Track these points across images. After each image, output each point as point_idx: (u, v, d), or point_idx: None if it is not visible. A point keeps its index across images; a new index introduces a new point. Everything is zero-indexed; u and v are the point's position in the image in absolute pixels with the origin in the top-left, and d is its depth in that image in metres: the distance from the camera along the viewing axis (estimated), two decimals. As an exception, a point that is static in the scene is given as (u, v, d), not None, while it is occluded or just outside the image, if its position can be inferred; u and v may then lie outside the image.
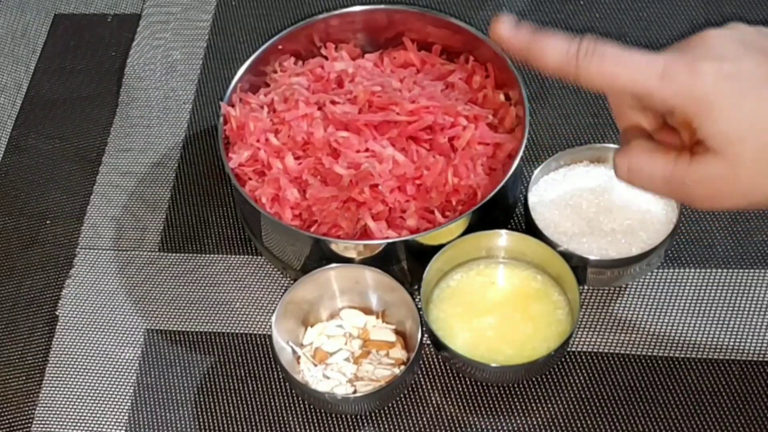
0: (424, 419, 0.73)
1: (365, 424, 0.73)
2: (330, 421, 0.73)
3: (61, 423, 0.75)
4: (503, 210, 0.79)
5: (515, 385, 0.74)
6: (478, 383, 0.74)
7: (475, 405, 0.73)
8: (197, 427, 0.74)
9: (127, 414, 0.75)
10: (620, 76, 0.57)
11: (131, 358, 0.78)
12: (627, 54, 0.57)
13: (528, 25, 0.60)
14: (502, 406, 0.73)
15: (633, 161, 0.59)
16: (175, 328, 0.79)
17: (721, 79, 0.55)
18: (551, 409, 0.73)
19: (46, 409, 0.76)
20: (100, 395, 0.76)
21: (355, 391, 0.71)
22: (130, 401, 0.76)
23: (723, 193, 0.57)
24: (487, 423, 0.72)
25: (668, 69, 0.56)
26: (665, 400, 0.72)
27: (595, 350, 0.75)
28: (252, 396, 0.75)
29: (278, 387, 0.75)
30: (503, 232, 0.74)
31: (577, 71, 0.57)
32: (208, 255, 0.83)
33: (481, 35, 0.81)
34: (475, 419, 0.73)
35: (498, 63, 0.80)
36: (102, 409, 0.75)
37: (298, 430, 0.73)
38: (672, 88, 0.56)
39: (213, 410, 0.75)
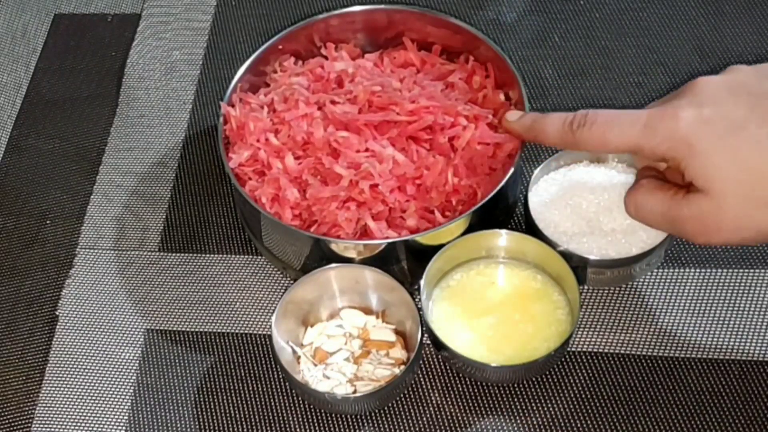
0: (424, 419, 0.73)
1: (365, 424, 0.73)
2: (330, 421, 0.73)
3: (61, 423, 0.75)
4: (503, 210, 0.79)
5: (515, 385, 0.74)
6: (478, 383, 0.74)
7: (475, 405, 0.73)
8: (197, 427, 0.74)
9: (127, 414, 0.75)
10: (611, 138, 0.64)
11: (131, 358, 0.78)
12: (614, 116, 0.64)
13: (533, 113, 0.72)
14: (502, 406, 0.73)
15: (638, 198, 0.66)
16: (175, 328, 0.79)
17: (699, 123, 0.61)
18: (551, 409, 0.73)
19: (46, 409, 0.76)
20: (100, 395, 0.76)
21: (355, 391, 0.71)
22: (130, 401, 0.76)
23: (712, 228, 0.61)
24: (487, 423, 0.72)
25: (650, 120, 0.62)
26: (665, 400, 0.72)
27: (595, 350, 0.75)
28: (252, 396, 0.75)
29: (278, 387, 0.75)
30: (503, 232, 0.74)
31: (575, 141, 0.66)
32: (208, 255, 0.83)
33: (481, 35, 0.81)
34: (475, 419, 0.73)
35: (498, 63, 0.80)
36: (102, 409, 0.75)
37: (298, 430, 0.73)
38: (656, 138, 0.62)
39: (213, 410, 0.75)
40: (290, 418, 0.74)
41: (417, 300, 0.72)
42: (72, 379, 0.77)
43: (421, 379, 0.74)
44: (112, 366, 0.77)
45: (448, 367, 0.75)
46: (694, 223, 0.62)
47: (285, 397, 0.75)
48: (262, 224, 0.77)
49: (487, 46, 0.81)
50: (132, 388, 0.76)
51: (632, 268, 0.74)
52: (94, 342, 0.79)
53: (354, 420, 0.73)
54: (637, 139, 0.63)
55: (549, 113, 0.69)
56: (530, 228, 0.75)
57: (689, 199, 0.62)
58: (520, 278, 0.74)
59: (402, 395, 0.74)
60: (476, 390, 0.74)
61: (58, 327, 0.80)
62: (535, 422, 0.72)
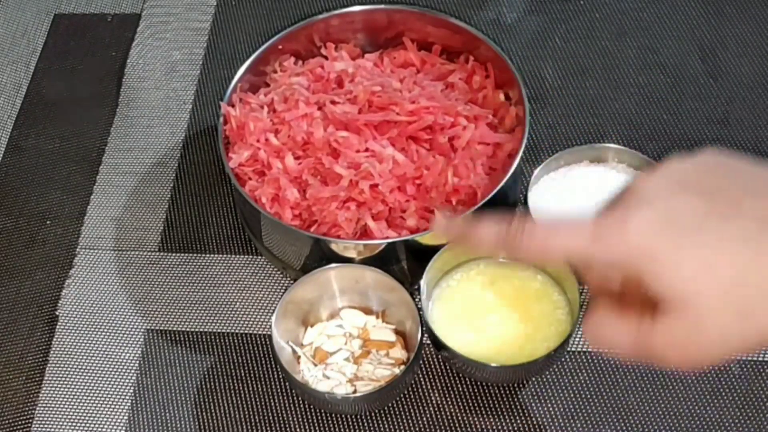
0: (424, 419, 0.73)
1: (365, 424, 0.73)
2: (330, 421, 0.73)
3: (61, 423, 0.75)
4: (503, 210, 0.79)
5: (515, 385, 0.74)
6: (478, 383, 0.74)
7: (475, 405, 0.73)
8: (197, 427, 0.74)
9: (126, 414, 0.75)
10: (553, 248, 0.56)
11: (131, 358, 0.78)
12: (556, 225, 0.57)
13: (465, 217, 0.64)
14: (502, 406, 0.73)
15: (598, 330, 0.57)
16: (175, 328, 0.79)
17: (654, 228, 0.53)
18: (551, 409, 0.73)
19: (46, 409, 0.76)
20: (100, 395, 0.76)
21: (355, 391, 0.71)
22: (129, 401, 0.76)
23: (694, 351, 0.53)
24: (487, 423, 0.72)
25: (599, 230, 0.55)
26: (665, 399, 0.72)
27: (594, 351, 0.75)
28: (252, 396, 0.75)
29: (278, 387, 0.75)
30: (503, 232, 0.73)
31: (512, 248, 0.57)
32: (208, 255, 0.83)
33: (481, 35, 0.81)
34: (475, 419, 0.73)
35: (498, 63, 0.80)
36: (102, 409, 0.75)
37: (298, 430, 0.73)
38: (607, 250, 0.54)
39: (213, 410, 0.75)
40: (290, 418, 0.74)
41: (417, 300, 0.72)
42: (72, 379, 0.77)
43: (421, 379, 0.74)
44: (112, 366, 0.77)
45: (448, 367, 0.75)
46: (674, 348, 0.53)
47: (285, 397, 0.75)
48: (262, 224, 0.77)
49: (487, 46, 0.81)
50: (132, 388, 0.76)
51: (632, 268, 0.74)
52: (94, 342, 0.79)
53: (354, 420, 0.73)
54: (584, 251, 0.55)
55: (481, 219, 0.60)
56: (530, 228, 0.75)
57: (662, 324, 0.53)
58: (520, 278, 0.74)
59: (402, 395, 0.74)
60: (476, 390, 0.74)
61: (58, 327, 0.80)
62: (535, 422, 0.72)
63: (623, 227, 0.53)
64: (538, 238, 0.56)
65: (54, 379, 0.77)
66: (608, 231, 0.54)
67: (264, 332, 0.78)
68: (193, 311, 0.80)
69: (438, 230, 0.63)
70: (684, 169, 0.56)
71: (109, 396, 0.76)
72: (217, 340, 0.78)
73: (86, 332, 0.79)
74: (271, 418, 0.74)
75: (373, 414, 0.73)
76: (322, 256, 0.74)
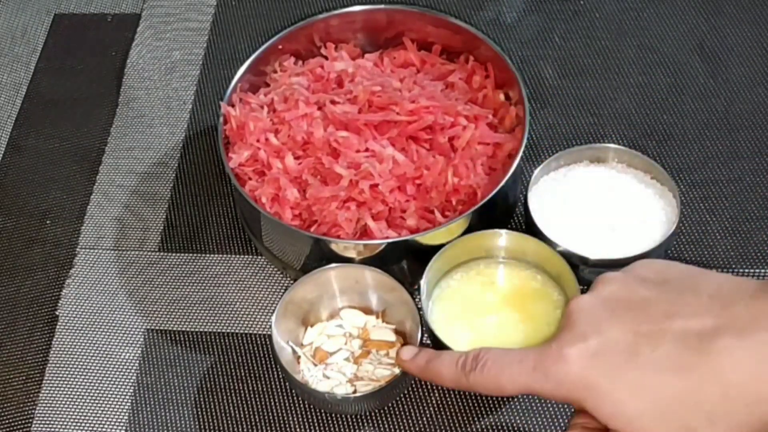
0: (424, 419, 0.73)
1: (365, 424, 0.73)
2: (330, 421, 0.73)
3: (61, 423, 0.75)
4: (503, 210, 0.79)
5: (515, 385, 0.74)
6: (478, 383, 0.74)
7: (475, 405, 0.73)
8: (197, 427, 0.74)
9: (127, 414, 0.75)
10: (502, 380, 0.59)
11: (131, 358, 0.78)
12: (503, 357, 0.59)
13: (427, 351, 0.66)
14: (502, 406, 0.73)
15: None
16: (175, 328, 0.79)
17: (589, 360, 0.55)
18: (551, 408, 0.73)
19: (46, 409, 0.76)
20: (101, 395, 0.76)
21: (355, 391, 0.71)
22: (130, 401, 0.76)
23: None
24: (487, 423, 0.72)
25: (538, 362, 0.57)
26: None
27: (595, 350, 0.75)
28: (252, 396, 0.75)
29: (278, 387, 0.75)
30: (503, 232, 0.73)
31: (468, 384, 0.61)
32: (208, 255, 0.83)
33: (481, 35, 0.81)
34: (475, 419, 0.73)
35: (498, 63, 0.80)
36: (102, 409, 0.75)
37: (298, 430, 0.73)
38: (548, 381, 0.57)
39: (213, 410, 0.75)
40: (290, 418, 0.74)
41: (417, 300, 0.72)
42: (72, 379, 0.77)
43: (421, 379, 0.74)
44: (112, 366, 0.77)
45: (448, 367, 0.75)
46: None
47: (285, 397, 0.75)
48: (262, 224, 0.77)
49: (487, 46, 0.81)
50: (132, 388, 0.76)
51: (632, 268, 0.74)
52: (94, 342, 0.79)
53: (354, 420, 0.73)
54: (528, 384, 0.58)
55: (443, 353, 0.64)
56: (530, 228, 0.75)
57: None
58: (520, 278, 0.74)
59: (402, 395, 0.74)
60: (476, 390, 0.74)
61: (58, 327, 0.80)
62: (535, 422, 0.72)
63: (561, 361, 0.56)
64: (487, 370, 0.60)
65: (54, 379, 0.77)
66: (548, 365, 0.57)
67: (264, 332, 0.78)
68: (193, 311, 0.80)
69: (401, 363, 0.67)
70: (612, 289, 0.58)
71: (109, 396, 0.76)
72: (217, 340, 0.78)
73: (86, 332, 0.79)
74: (271, 418, 0.74)
75: (373, 414, 0.73)
76: (322, 256, 0.74)
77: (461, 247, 0.73)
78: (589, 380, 0.55)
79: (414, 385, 0.74)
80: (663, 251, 0.75)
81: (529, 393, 0.58)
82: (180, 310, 0.80)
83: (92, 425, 0.75)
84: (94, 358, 0.78)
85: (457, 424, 0.72)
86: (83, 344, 0.79)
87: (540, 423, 0.72)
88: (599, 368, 0.55)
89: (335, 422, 0.73)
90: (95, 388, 0.76)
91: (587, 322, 0.57)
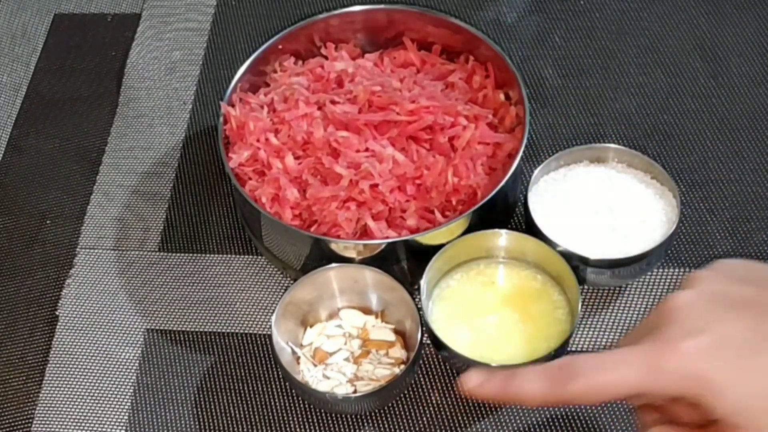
0: (424, 419, 0.73)
1: (365, 424, 0.73)
2: (330, 421, 0.73)
3: (61, 423, 0.75)
4: (503, 210, 0.79)
5: (515, 385, 0.73)
6: (478, 383, 0.74)
7: (475, 405, 0.73)
8: (197, 427, 0.74)
9: (127, 414, 0.75)
10: (606, 388, 0.55)
11: (131, 358, 0.78)
12: (601, 362, 0.55)
13: (497, 373, 0.57)
14: (502, 406, 0.73)
15: None
16: (175, 328, 0.79)
17: (708, 355, 0.54)
18: (551, 409, 0.73)
19: (46, 409, 0.76)
20: (101, 395, 0.76)
21: (355, 391, 0.71)
22: (130, 401, 0.76)
23: None
24: (487, 423, 0.72)
25: (651, 361, 0.54)
26: (665, 400, 0.72)
27: (595, 350, 0.75)
28: (252, 396, 0.75)
29: (278, 387, 0.75)
30: (503, 232, 0.74)
31: (564, 397, 0.55)
32: (208, 255, 0.83)
33: (481, 35, 0.81)
34: (475, 419, 0.73)
35: (498, 63, 0.80)
36: (102, 409, 0.75)
37: (298, 430, 0.73)
38: (663, 380, 0.54)
39: (213, 410, 0.75)
40: (290, 418, 0.74)
41: (417, 300, 0.72)
42: (72, 379, 0.77)
43: (421, 379, 0.74)
44: (112, 366, 0.77)
45: (448, 367, 0.75)
46: None
47: (285, 397, 0.75)
48: (262, 224, 0.77)
49: (487, 46, 0.81)
50: (132, 388, 0.76)
51: (632, 268, 0.74)
52: (94, 342, 0.79)
53: (354, 420, 0.73)
54: (639, 386, 0.55)
55: (518, 371, 0.56)
56: (530, 228, 0.75)
57: None
58: (520, 278, 0.74)
59: (402, 395, 0.74)
60: (476, 390, 0.74)
61: (58, 327, 0.80)
62: (535, 422, 0.72)
63: (677, 357, 0.54)
64: (585, 380, 0.55)
65: (54, 379, 0.77)
66: (664, 362, 0.54)
67: (264, 332, 0.78)
68: (194, 311, 0.80)
69: (471, 389, 0.58)
70: (716, 286, 0.56)
71: (109, 396, 0.76)
72: (217, 340, 0.78)
73: (86, 332, 0.79)
74: (271, 418, 0.74)
75: (373, 414, 0.73)
76: (322, 256, 0.74)
77: (461, 247, 0.73)
78: (708, 375, 0.53)
79: (414, 385, 0.74)
80: (663, 251, 0.75)
81: (634, 395, 0.56)
82: (180, 310, 0.80)
83: (92, 425, 0.75)
84: (94, 358, 0.78)
85: (457, 424, 0.72)
86: (83, 344, 0.79)
87: (540, 423, 0.72)
88: (719, 363, 0.53)
89: (335, 422, 0.73)
90: (95, 388, 0.76)
91: (698, 317, 0.55)
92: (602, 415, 0.72)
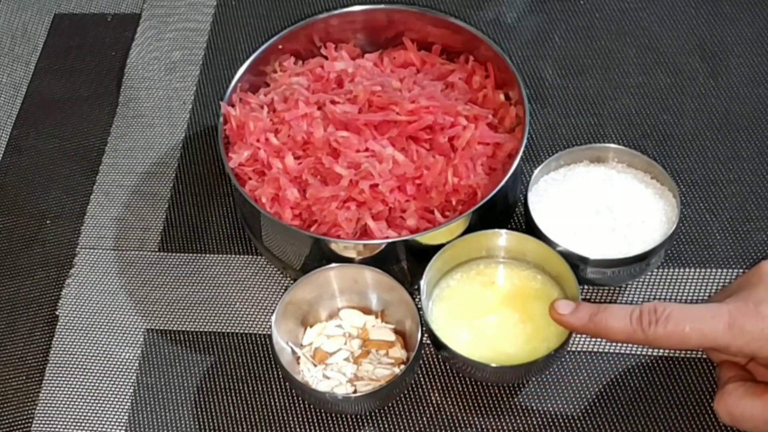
0: (424, 419, 0.73)
1: (365, 424, 0.73)
2: (330, 421, 0.73)
3: (61, 423, 0.75)
4: (503, 210, 0.79)
5: (515, 385, 0.74)
6: (478, 383, 0.74)
7: (475, 405, 0.73)
8: (197, 427, 0.74)
9: (127, 414, 0.75)
10: (689, 335, 0.59)
11: (131, 358, 0.78)
12: (690, 311, 0.59)
13: (585, 304, 0.65)
14: (502, 406, 0.73)
15: (733, 407, 0.61)
16: (175, 328, 0.79)
17: None
18: (551, 409, 0.73)
19: (46, 409, 0.76)
20: (101, 395, 0.76)
21: (355, 391, 0.71)
22: (130, 401, 0.76)
23: None
24: (487, 423, 0.72)
25: (734, 319, 0.58)
26: (665, 400, 0.72)
27: (595, 350, 0.75)
28: (252, 396, 0.75)
29: (278, 387, 0.75)
30: (503, 232, 0.74)
31: (646, 339, 0.60)
32: (208, 255, 0.83)
33: (481, 35, 0.81)
34: (475, 419, 0.73)
35: (498, 63, 0.80)
36: (102, 409, 0.75)
37: (298, 430, 0.73)
38: (744, 338, 0.58)
39: (213, 410, 0.75)
40: (290, 418, 0.74)
41: (417, 300, 0.72)
42: (72, 379, 0.77)
43: (421, 379, 0.74)
44: (112, 366, 0.77)
45: (448, 367, 0.75)
46: None
47: (285, 397, 0.75)
48: (262, 224, 0.77)
49: (487, 46, 0.81)
50: (132, 388, 0.76)
51: (632, 268, 0.74)
52: (94, 342, 0.79)
53: (354, 420, 0.73)
54: (722, 338, 0.59)
55: (609, 306, 0.64)
56: (530, 228, 0.75)
57: None
58: (520, 278, 0.74)
59: (402, 395, 0.74)
60: (476, 390, 0.74)
61: (58, 327, 0.80)
62: (535, 422, 0.72)
63: (759, 318, 0.58)
64: (672, 325, 0.59)
65: (54, 379, 0.77)
66: (745, 321, 0.58)
67: (264, 332, 0.78)
68: (193, 311, 0.80)
69: (561, 319, 0.65)
70: None
71: (109, 396, 0.76)
72: (217, 340, 0.78)
73: (86, 332, 0.79)
74: (271, 418, 0.74)
75: (373, 414, 0.73)
76: (322, 256, 0.74)
77: (461, 247, 0.73)
78: None
79: (414, 385, 0.74)
80: (663, 251, 0.75)
81: (711, 347, 0.60)
82: (180, 310, 0.80)
83: (92, 425, 0.75)
84: (94, 358, 0.78)
85: (457, 424, 0.72)
86: (83, 344, 0.79)
87: (540, 423, 0.72)
88: None
89: (335, 422, 0.73)
90: (95, 388, 0.76)
91: None
92: (602, 416, 0.72)
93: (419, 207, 0.75)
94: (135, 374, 0.77)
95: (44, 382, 0.77)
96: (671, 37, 0.93)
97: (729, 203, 0.81)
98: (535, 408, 0.73)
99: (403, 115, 0.76)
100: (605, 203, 0.76)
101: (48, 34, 1.00)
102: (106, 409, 0.75)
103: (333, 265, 0.73)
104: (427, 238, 0.72)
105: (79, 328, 0.80)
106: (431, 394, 0.74)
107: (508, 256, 0.75)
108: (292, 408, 0.74)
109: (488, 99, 0.80)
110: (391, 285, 0.72)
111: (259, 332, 0.78)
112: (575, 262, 0.72)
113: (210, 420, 0.74)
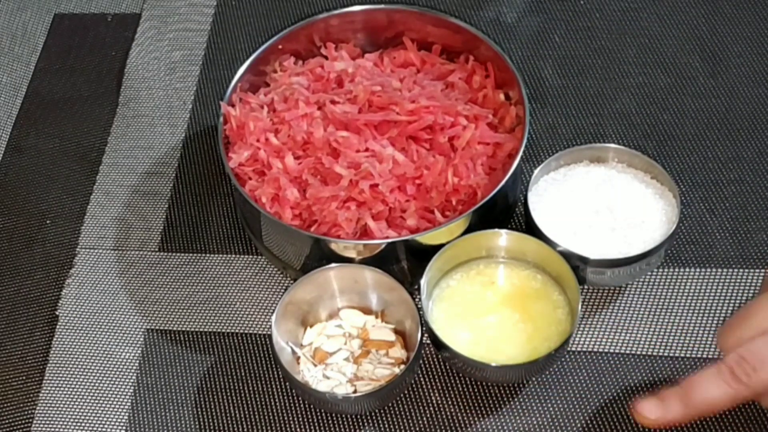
0: (424, 419, 0.73)
1: (365, 424, 0.73)
2: (330, 421, 0.73)
3: (61, 423, 0.75)
4: (503, 210, 0.79)
5: (515, 385, 0.74)
6: (478, 383, 0.74)
7: (475, 405, 0.73)
8: (197, 427, 0.74)
9: (127, 414, 0.75)
10: None
11: (131, 358, 0.78)
12: None
13: (666, 393, 0.56)
14: (502, 406, 0.73)
15: None
16: (175, 328, 0.79)
17: None
18: (551, 409, 0.73)
19: (46, 409, 0.76)
20: (101, 395, 0.76)
21: (355, 391, 0.71)
22: (130, 401, 0.76)
23: None
24: (487, 423, 0.72)
25: None
26: (665, 400, 0.72)
27: (595, 350, 0.75)
28: (252, 396, 0.75)
29: (278, 387, 0.75)
30: (503, 232, 0.74)
31: (755, 392, 0.54)
32: (208, 255, 0.83)
33: (481, 35, 0.81)
34: (475, 419, 0.73)
35: (498, 63, 0.80)
36: (102, 409, 0.75)
37: (298, 430, 0.73)
38: None
39: (213, 410, 0.75)
40: (290, 418, 0.74)
41: (417, 300, 0.72)
42: (72, 379, 0.77)
43: (421, 379, 0.74)
44: (112, 366, 0.77)
45: (448, 367, 0.75)
46: None
47: (285, 397, 0.75)
48: (262, 224, 0.77)
49: (487, 45, 0.81)
50: (132, 388, 0.76)
51: (632, 268, 0.74)
52: (94, 342, 0.79)
53: (354, 420, 0.73)
54: None
55: (691, 381, 0.56)
56: (530, 228, 0.75)
57: None
58: (520, 278, 0.74)
59: (402, 395, 0.74)
60: (476, 390, 0.74)
61: (58, 327, 0.80)
62: (535, 422, 0.72)
63: None
64: None
65: (54, 379, 0.77)
66: None
67: (264, 332, 0.78)
68: (194, 311, 0.80)
69: (656, 423, 0.57)
70: None
71: (109, 396, 0.76)
72: (217, 340, 0.78)
73: (86, 332, 0.79)
74: (271, 418, 0.74)
75: (373, 414, 0.73)
76: (322, 256, 0.74)
77: (461, 247, 0.73)
78: None
79: (414, 385, 0.74)
80: (663, 251, 0.75)
81: None
82: (180, 311, 0.80)
83: (92, 425, 0.75)
84: (94, 358, 0.78)
85: (457, 424, 0.72)
86: (83, 344, 0.79)
87: (540, 423, 0.72)
88: None
89: (335, 422, 0.73)
90: (95, 388, 0.76)
91: None
92: (602, 416, 0.72)
93: (419, 207, 0.75)
94: (135, 374, 0.77)
95: (44, 382, 0.77)
96: (671, 37, 0.93)
97: (729, 203, 0.81)
98: (535, 408, 0.73)
99: (403, 115, 0.76)
100: (605, 203, 0.76)
101: (48, 34, 1.00)
102: (106, 409, 0.75)
103: (333, 265, 0.73)
104: (427, 238, 0.72)
105: (79, 328, 0.80)
106: (431, 394, 0.74)
107: (508, 256, 0.75)
108: (292, 408, 0.74)
109: (488, 99, 0.80)
110: (391, 285, 0.72)
111: (260, 332, 0.78)
112: (575, 262, 0.72)
113: (210, 420, 0.74)
